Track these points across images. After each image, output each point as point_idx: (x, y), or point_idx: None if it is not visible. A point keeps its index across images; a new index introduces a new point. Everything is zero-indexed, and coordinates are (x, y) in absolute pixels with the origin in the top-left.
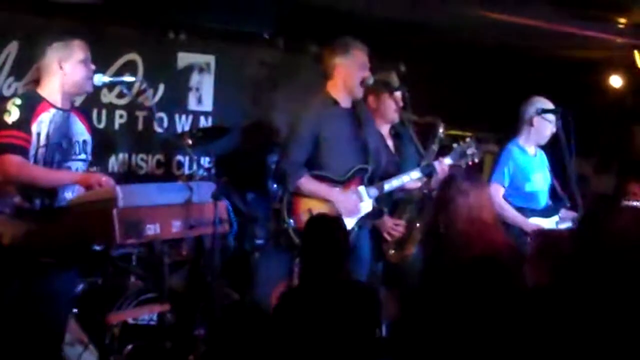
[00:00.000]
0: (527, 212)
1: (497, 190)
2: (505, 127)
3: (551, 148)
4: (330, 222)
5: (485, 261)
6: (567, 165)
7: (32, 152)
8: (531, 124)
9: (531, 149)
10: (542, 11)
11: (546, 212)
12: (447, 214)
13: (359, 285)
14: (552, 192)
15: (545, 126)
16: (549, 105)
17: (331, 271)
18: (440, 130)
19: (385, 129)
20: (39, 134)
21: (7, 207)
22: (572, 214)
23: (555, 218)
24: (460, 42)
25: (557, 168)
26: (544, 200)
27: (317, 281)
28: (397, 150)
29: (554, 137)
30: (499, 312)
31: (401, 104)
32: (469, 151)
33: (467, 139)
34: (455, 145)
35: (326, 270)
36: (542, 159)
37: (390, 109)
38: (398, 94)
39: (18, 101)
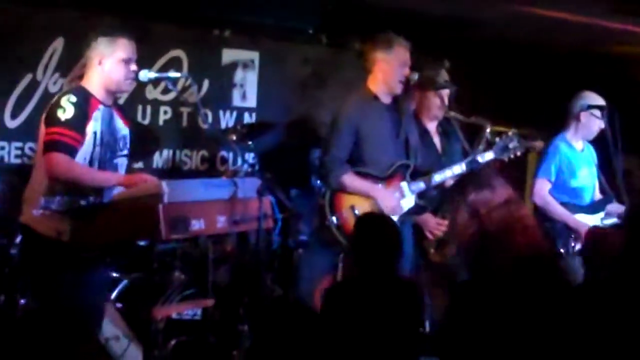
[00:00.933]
0: (572, 207)
1: (544, 185)
2: (549, 124)
3: (597, 143)
4: (382, 221)
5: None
6: (613, 161)
7: (88, 151)
8: (579, 119)
9: (578, 144)
10: (586, 6)
11: (591, 208)
12: (480, 214)
13: (402, 281)
14: (600, 188)
15: (593, 122)
16: (598, 101)
17: (383, 268)
18: (487, 130)
19: (432, 126)
20: (95, 133)
21: (55, 204)
22: (618, 210)
23: (601, 214)
24: (504, 38)
25: (604, 164)
26: (589, 196)
27: (367, 277)
28: (443, 147)
29: (601, 133)
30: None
31: (446, 101)
32: (511, 145)
33: (509, 133)
34: (497, 139)
35: (378, 268)
36: (590, 154)
37: (435, 106)
38: (445, 91)
39: (73, 98)
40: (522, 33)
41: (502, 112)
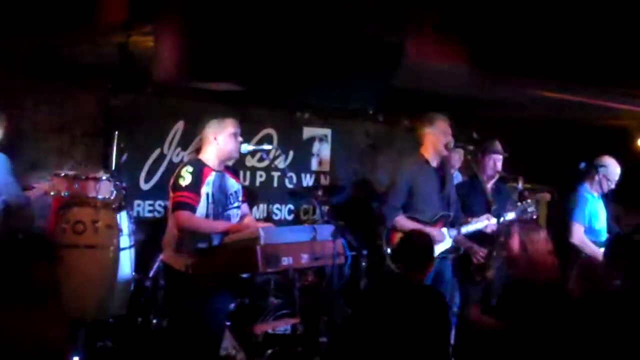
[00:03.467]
0: (596, 245)
1: (580, 229)
2: (561, 180)
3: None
4: (416, 234)
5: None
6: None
7: (203, 208)
8: (594, 177)
9: (595, 194)
10: (588, 89)
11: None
12: (511, 250)
13: (430, 290)
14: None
15: (604, 180)
16: (609, 164)
17: (413, 271)
18: (520, 185)
19: (488, 184)
20: (207, 194)
21: (184, 247)
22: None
23: None
24: (521, 115)
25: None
26: (604, 234)
27: (399, 282)
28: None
29: None
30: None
31: (499, 165)
32: (529, 209)
33: (529, 200)
34: (519, 204)
35: (409, 271)
36: (602, 202)
37: (489, 167)
38: (498, 156)
39: (190, 169)
40: (535, 110)
41: (527, 172)
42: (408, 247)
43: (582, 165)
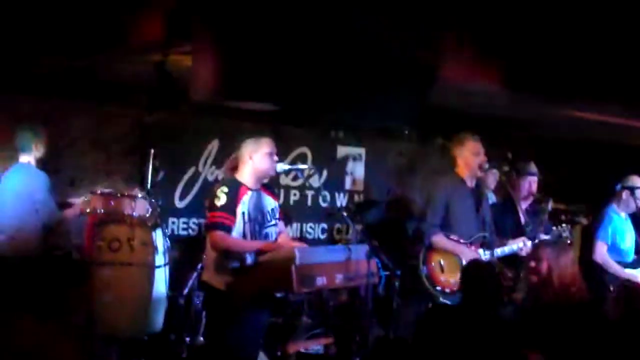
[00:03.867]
0: (621, 265)
1: (602, 247)
2: (594, 199)
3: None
4: (486, 267)
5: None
6: None
7: (240, 227)
8: (620, 196)
9: (623, 214)
10: (621, 110)
11: (635, 264)
12: (541, 273)
13: (501, 319)
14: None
15: (631, 199)
16: (636, 181)
17: (484, 307)
18: (550, 205)
19: (523, 205)
20: (243, 213)
21: (223, 266)
22: None
23: None
24: (554, 135)
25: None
26: (631, 255)
27: (471, 311)
28: (527, 222)
29: None
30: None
31: (534, 187)
32: (564, 234)
33: (564, 225)
34: (554, 228)
35: (481, 306)
36: (630, 223)
37: (525, 189)
38: (533, 178)
39: (225, 189)
40: (564, 131)
41: (559, 192)
42: (472, 277)
43: (618, 186)
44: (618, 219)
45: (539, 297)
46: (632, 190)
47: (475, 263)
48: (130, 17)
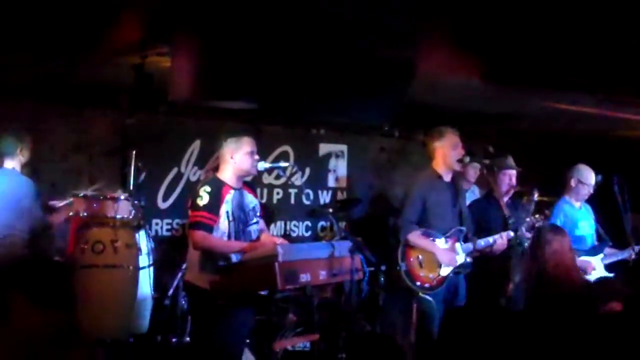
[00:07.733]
0: (577, 252)
1: None
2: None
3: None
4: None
5: (571, 297)
6: (623, 219)
7: (225, 226)
8: (570, 186)
9: (577, 204)
10: (601, 101)
11: (592, 251)
12: (538, 260)
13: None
14: (597, 236)
15: (581, 187)
16: (584, 172)
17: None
18: (535, 196)
19: (503, 199)
20: (227, 212)
21: (207, 266)
22: (614, 253)
23: (601, 256)
24: (535, 128)
25: (614, 221)
26: (589, 242)
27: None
28: (510, 215)
29: (613, 197)
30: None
31: (514, 180)
32: (537, 224)
33: (537, 216)
34: (527, 219)
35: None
36: (587, 211)
37: (504, 183)
38: (512, 172)
39: (208, 188)
40: (545, 123)
41: (543, 185)
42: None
43: (599, 178)
44: (569, 208)
45: (541, 284)
46: (578, 175)
47: None
48: (108, 20)
